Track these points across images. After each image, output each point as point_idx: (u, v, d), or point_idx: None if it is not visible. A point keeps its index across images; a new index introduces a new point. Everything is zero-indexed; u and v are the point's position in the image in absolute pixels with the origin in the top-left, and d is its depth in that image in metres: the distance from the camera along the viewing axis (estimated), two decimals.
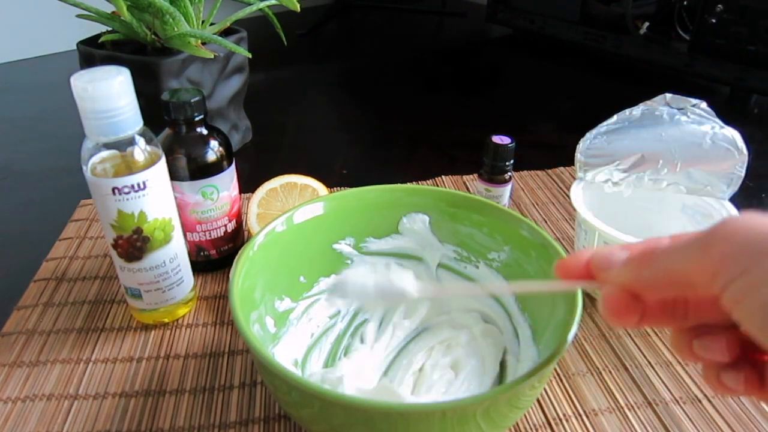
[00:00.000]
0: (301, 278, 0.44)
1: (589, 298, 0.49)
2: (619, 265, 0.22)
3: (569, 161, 0.57)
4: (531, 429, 0.38)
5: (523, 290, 0.26)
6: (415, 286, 0.26)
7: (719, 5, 0.83)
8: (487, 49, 1.23)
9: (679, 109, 0.47)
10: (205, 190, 0.47)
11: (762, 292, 0.17)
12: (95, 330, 0.46)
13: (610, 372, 0.43)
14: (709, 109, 0.47)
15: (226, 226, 0.50)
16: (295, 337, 0.42)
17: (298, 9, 0.62)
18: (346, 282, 0.26)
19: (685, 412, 0.39)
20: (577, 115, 0.91)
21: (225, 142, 0.48)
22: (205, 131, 0.47)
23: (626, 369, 0.43)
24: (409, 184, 0.50)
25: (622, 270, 0.22)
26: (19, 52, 1.09)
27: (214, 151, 0.47)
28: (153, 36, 0.60)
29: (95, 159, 0.38)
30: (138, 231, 0.40)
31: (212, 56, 0.60)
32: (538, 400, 0.40)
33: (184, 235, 0.48)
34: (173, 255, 0.43)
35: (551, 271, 0.38)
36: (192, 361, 0.43)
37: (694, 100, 0.47)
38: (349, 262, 0.46)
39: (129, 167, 0.39)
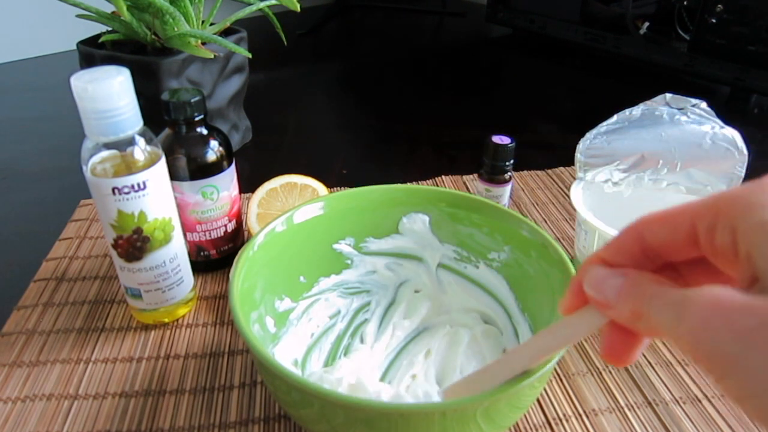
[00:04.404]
0: (301, 278, 0.44)
1: None
2: (615, 299, 0.21)
3: (569, 161, 0.57)
4: (531, 429, 0.38)
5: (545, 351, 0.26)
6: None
7: (719, 5, 0.83)
8: (487, 49, 1.23)
9: (679, 109, 0.47)
10: (205, 190, 0.47)
11: None
12: (95, 330, 0.46)
13: (610, 372, 0.43)
14: (709, 109, 0.47)
15: (226, 226, 0.50)
16: (295, 337, 0.42)
17: (298, 9, 0.62)
18: None
19: (685, 412, 0.39)
20: (577, 115, 0.91)
21: (225, 142, 0.48)
22: (205, 131, 0.47)
23: (626, 369, 0.43)
24: (409, 184, 0.50)
25: (622, 308, 0.21)
26: (19, 52, 1.09)
27: (214, 151, 0.47)
28: (153, 36, 0.60)
29: (95, 159, 0.38)
30: (138, 231, 0.40)
31: (212, 56, 0.60)
32: (538, 400, 0.40)
33: (184, 235, 0.48)
34: (173, 255, 0.43)
35: (551, 271, 0.38)
36: (192, 361, 0.43)
37: (694, 100, 0.47)
38: (349, 262, 0.46)
39: (129, 167, 0.39)
